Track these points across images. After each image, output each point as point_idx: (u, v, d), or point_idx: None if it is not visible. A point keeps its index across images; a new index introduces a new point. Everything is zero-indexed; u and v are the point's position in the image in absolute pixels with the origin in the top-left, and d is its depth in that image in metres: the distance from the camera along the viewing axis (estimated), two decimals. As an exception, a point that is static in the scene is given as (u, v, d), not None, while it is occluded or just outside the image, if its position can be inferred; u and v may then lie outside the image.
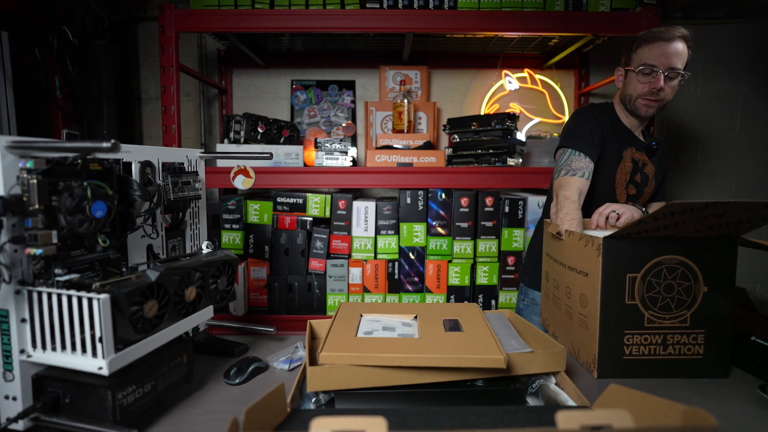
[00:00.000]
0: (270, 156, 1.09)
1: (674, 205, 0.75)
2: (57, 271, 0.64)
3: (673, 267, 0.86)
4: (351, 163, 1.81)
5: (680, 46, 1.21)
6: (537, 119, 2.24)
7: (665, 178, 1.43)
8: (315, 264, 1.73)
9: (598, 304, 0.86)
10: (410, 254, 1.73)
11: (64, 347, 0.63)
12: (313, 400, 0.73)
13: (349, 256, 1.74)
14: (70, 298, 0.61)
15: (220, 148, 1.83)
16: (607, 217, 1.11)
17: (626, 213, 1.09)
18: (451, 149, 1.94)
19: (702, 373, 0.88)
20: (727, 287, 0.87)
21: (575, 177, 1.22)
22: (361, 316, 0.92)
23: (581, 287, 0.92)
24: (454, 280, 1.74)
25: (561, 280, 1.01)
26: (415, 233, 1.72)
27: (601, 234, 0.88)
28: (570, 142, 1.29)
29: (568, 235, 0.97)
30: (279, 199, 1.74)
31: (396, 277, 1.74)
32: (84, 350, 0.62)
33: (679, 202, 0.75)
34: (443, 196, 1.71)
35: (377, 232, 1.73)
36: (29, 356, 0.63)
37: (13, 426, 0.62)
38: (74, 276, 0.65)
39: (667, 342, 0.87)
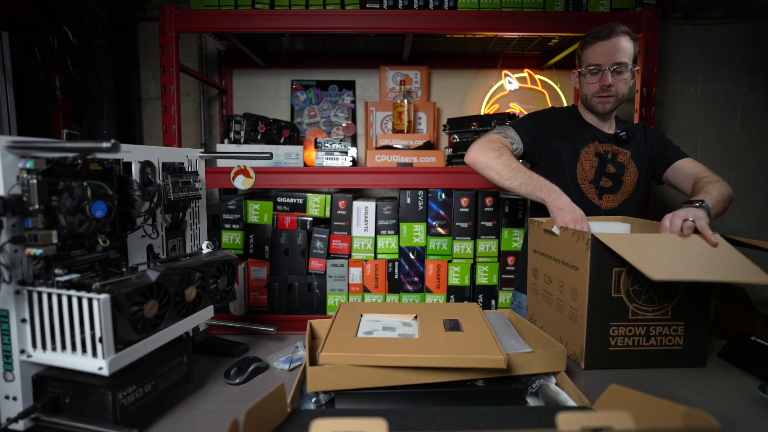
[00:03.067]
0: (270, 156, 1.09)
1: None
2: (57, 271, 0.64)
3: None
4: (351, 163, 1.81)
5: (621, 41, 1.25)
6: (537, 119, 2.24)
7: (667, 147, 1.38)
8: (315, 264, 1.73)
9: (586, 296, 0.89)
10: (410, 254, 1.73)
11: (64, 347, 0.63)
12: (314, 400, 0.73)
13: (349, 256, 1.74)
14: (70, 298, 0.61)
15: (220, 148, 1.83)
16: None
17: (701, 220, 0.95)
18: (451, 149, 1.94)
19: (681, 363, 0.92)
20: (707, 282, 0.90)
21: (506, 140, 1.31)
22: (361, 316, 0.92)
23: (572, 281, 0.94)
24: (454, 280, 1.74)
25: (554, 275, 1.03)
26: (415, 233, 1.72)
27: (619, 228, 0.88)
28: (511, 124, 1.39)
29: (563, 230, 0.99)
30: (279, 199, 1.74)
31: (396, 277, 1.74)
32: (84, 350, 0.62)
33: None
34: (443, 196, 1.71)
35: (377, 232, 1.73)
36: (29, 356, 0.63)
37: (14, 426, 0.62)
38: (74, 276, 0.65)
39: (649, 333, 0.91)
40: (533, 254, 1.15)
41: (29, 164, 0.60)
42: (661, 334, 0.91)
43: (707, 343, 0.94)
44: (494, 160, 1.23)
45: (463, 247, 1.73)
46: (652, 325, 0.90)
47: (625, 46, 1.26)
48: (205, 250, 0.91)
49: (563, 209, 1.08)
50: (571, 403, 0.73)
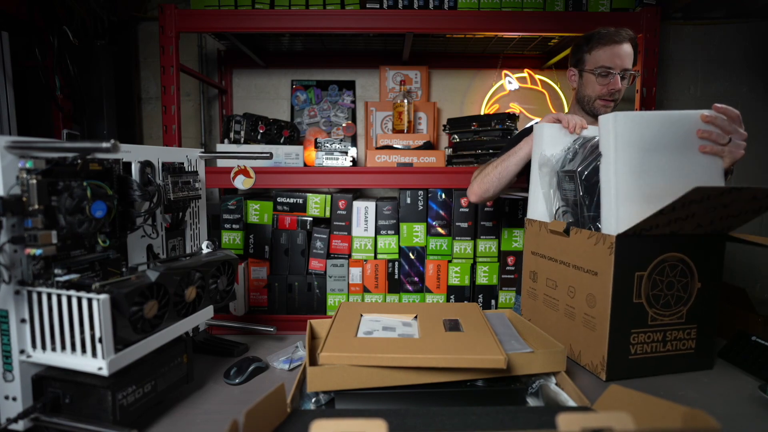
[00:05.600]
0: (270, 156, 1.09)
1: (698, 190, 0.74)
2: (57, 271, 0.64)
3: (674, 264, 0.87)
4: (351, 163, 1.81)
5: (629, 48, 1.27)
6: (537, 119, 2.24)
7: None
8: (315, 264, 1.73)
9: (609, 304, 0.84)
10: (410, 254, 1.73)
11: (63, 347, 0.63)
12: (313, 400, 0.73)
13: (349, 256, 1.74)
14: (69, 298, 0.61)
15: (220, 148, 1.83)
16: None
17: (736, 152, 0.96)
18: (451, 149, 1.94)
19: (692, 367, 0.90)
20: (716, 282, 0.90)
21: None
22: (361, 316, 0.92)
23: (589, 287, 0.90)
24: (454, 280, 1.74)
25: (560, 279, 0.99)
26: (415, 233, 1.72)
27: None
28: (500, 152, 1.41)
29: (576, 233, 0.95)
30: (279, 199, 1.74)
31: (396, 277, 1.74)
32: (84, 350, 0.62)
33: (703, 187, 0.74)
34: (443, 196, 1.71)
35: (377, 232, 1.73)
36: (29, 356, 0.63)
37: (13, 426, 0.62)
38: (74, 276, 0.65)
39: (666, 339, 0.88)
40: (530, 256, 1.12)
41: (29, 164, 0.60)
42: (676, 339, 0.89)
43: (714, 344, 0.93)
44: (480, 174, 1.30)
45: (463, 247, 1.73)
46: (669, 329, 0.88)
47: (631, 53, 1.27)
48: (205, 250, 0.91)
49: (541, 121, 1.11)
50: (572, 403, 0.73)
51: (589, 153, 0.96)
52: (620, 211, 0.86)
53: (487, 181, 1.28)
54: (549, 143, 1.08)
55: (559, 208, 1.03)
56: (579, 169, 0.94)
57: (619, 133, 0.85)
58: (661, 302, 0.87)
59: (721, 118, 0.90)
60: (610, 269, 0.84)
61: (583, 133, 1.06)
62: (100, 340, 0.60)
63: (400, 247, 1.73)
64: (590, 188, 0.92)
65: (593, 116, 1.35)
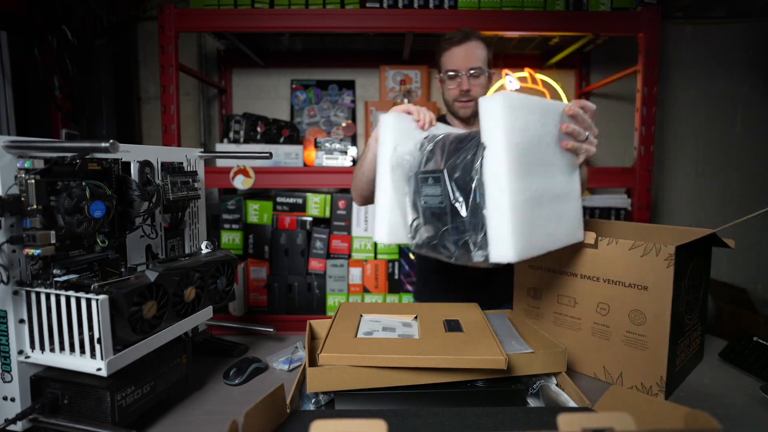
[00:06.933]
0: (269, 155, 1.09)
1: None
2: (55, 271, 0.64)
3: (696, 267, 0.86)
4: (351, 163, 1.80)
5: (473, 47, 1.25)
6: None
7: None
8: (315, 264, 1.73)
9: (668, 320, 0.78)
10: (410, 254, 1.73)
11: (62, 348, 0.62)
12: (313, 400, 0.73)
13: (349, 256, 1.73)
14: (68, 298, 0.61)
15: (220, 147, 1.83)
16: None
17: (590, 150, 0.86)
18: (451, 149, 1.93)
19: (697, 363, 0.93)
20: (707, 279, 0.94)
21: None
22: (361, 316, 0.92)
23: (632, 303, 0.82)
24: (454, 280, 1.73)
25: (585, 296, 0.89)
26: (415, 233, 1.72)
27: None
28: None
29: (608, 243, 0.85)
30: (279, 199, 1.74)
31: (396, 277, 1.74)
32: (83, 351, 0.62)
33: None
34: (443, 196, 1.71)
35: (377, 232, 1.73)
36: (28, 357, 0.63)
37: (12, 427, 0.62)
38: (73, 276, 0.65)
39: (691, 342, 0.88)
40: (528, 270, 1.00)
41: (27, 164, 0.60)
42: (694, 339, 0.89)
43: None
44: (352, 184, 1.17)
45: (463, 247, 1.73)
46: (691, 332, 0.88)
47: (479, 52, 1.25)
48: (204, 250, 0.91)
49: (385, 116, 0.89)
50: (572, 403, 0.73)
51: (453, 150, 0.76)
52: (517, 215, 0.69)
53: (358, 187, 1.15)
54: (401, 137, 0.87)
55: (413, 220, 0.82)
56: (446, 169, 0.74)
57: (509, 119, 0.69)
58: (691, 307, 0.86)
59: (581, 113, 0.83)
60: (669, 283, 0.77)
61: (431, 131, 0.90)
62: (99, 341, 0.60)
63: (400, 248, 1.73)
64: (464, 191, 0.72)
65: (458, 118, 1.33)
